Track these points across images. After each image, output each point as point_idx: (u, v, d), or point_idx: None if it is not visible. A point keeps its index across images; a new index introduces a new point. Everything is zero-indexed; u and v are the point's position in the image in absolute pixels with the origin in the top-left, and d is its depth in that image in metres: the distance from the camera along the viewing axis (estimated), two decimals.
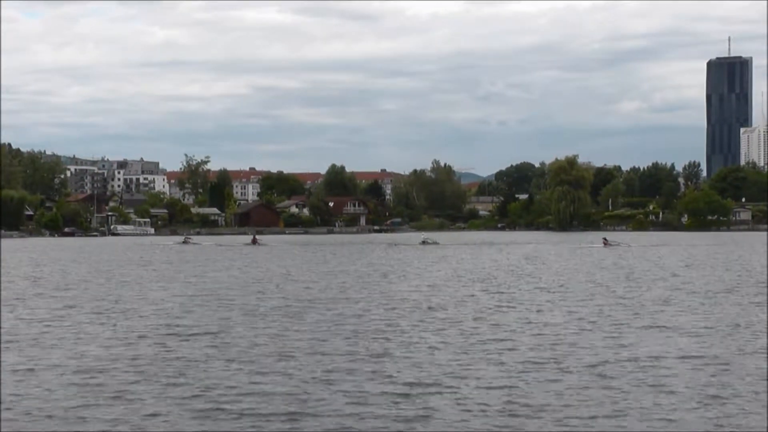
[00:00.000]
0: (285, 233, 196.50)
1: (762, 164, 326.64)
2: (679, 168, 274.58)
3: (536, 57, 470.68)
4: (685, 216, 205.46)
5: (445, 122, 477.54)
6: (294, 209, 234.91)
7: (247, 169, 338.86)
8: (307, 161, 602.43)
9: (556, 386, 17.57)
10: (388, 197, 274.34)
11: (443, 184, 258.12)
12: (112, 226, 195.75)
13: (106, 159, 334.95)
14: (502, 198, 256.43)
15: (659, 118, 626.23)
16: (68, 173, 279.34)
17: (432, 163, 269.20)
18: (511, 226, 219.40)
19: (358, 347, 22.48)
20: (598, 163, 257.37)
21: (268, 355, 21.46)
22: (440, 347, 22.49)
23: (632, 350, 21.90)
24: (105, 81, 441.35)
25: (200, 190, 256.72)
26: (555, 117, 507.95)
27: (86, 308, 32.66)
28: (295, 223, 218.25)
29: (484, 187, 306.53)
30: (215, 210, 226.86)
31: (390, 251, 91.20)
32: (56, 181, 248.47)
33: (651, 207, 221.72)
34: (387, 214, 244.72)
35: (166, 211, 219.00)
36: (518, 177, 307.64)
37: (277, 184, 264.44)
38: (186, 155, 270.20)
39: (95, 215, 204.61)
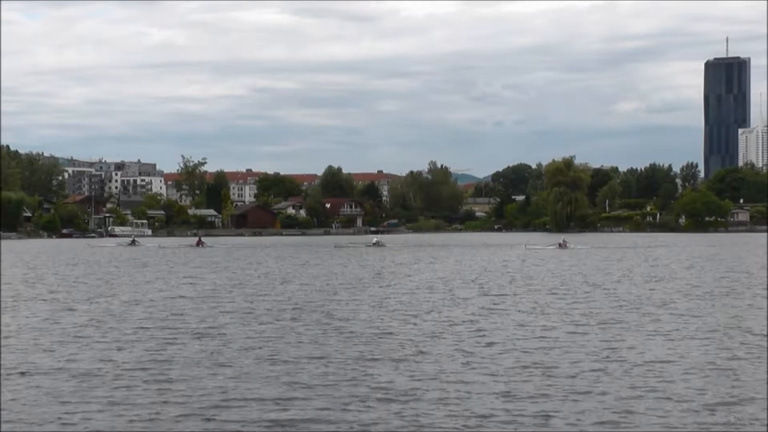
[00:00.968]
0: (282, 234, 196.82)
1: (760, 165, 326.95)
2: (676, 169, 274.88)
3: (533, 57, 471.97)
4: (683, 217, 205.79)
5: (442, 123, 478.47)
6: (291, 211, 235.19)
7: (244, 170, 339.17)
8: (304, 162, 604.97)
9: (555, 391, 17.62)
10: (384, 198, 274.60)
11: (440, 186, 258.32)
12: (109, 228, 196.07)
13: (103, 161, 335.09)
14: (498, 199, 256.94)
15: (657, 118, 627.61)
16: (66, 175, 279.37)
17: (429, 164, 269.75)
18: (508, 227, 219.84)
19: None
20: (596, 164, 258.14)
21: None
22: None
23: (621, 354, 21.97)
24: (105, 82, 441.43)
25: (197, 192, 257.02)
26: (552, 118, 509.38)
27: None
28: (291, 225, 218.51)
29: (481, 189, 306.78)
30: (212, 211, 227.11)
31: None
32: (54, 182, 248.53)
33: (648, 208, 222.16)
34: (383, 215, 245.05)
35: (163, 212, 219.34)
36: (515, 178, 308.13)
37: (273, 186, 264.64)
38: (183, 157, 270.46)
39: (93, 217, 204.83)
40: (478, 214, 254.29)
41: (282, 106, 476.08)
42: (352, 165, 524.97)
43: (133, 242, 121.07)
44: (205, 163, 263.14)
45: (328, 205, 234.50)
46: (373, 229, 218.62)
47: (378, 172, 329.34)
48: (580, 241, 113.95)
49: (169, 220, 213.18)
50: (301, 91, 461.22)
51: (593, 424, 15.08)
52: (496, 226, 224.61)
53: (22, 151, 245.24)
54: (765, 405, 16.19)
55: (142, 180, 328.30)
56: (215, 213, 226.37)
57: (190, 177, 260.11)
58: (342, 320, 28.77)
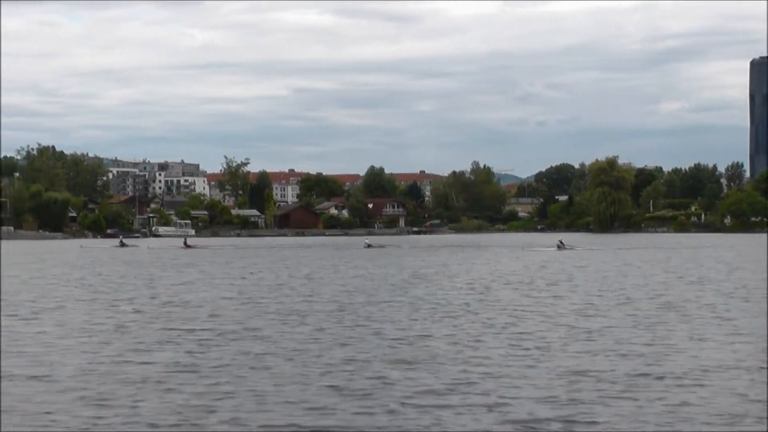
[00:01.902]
0: (324, 235, 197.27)
1: None
2: (721, 169, 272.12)
3: (575, 57, 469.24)
4: (728, 217, 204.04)
5: (483, 123, 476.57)
6: (333, 211, 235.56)
7: (287, 170, 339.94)
8: (346, 163, 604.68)
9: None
10: (427, 199, 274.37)
11: (482, 186, 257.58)
12: (153, 228, 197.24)
13: (147, 161, 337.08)
14: (541, 199, 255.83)
15: (701, 118, 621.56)
16: (110, 175, 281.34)
17: (471, 164, 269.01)
18: (551, 227, 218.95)
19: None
20: (639, 164, 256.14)
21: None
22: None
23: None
24: (145, 83, 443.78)
25: (240, 192, 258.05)
26: (594, 118, 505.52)
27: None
28: (334, 225, 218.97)
29: (524, 189, 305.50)
30: (255, 212, 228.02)
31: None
32: (99, 183, 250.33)
33: (693, 208, 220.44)
34: (426, 215, 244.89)
35: (206, 212, 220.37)
36: (558, 178, 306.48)
37: (316, 186, 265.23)
38: (226, 157, 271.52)
39: (137, 217, 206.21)
40: (521, 214, 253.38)
41: (323, 107, 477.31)
42: (393, 165, 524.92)
43: (122, 244, 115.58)
44: (248, 163, 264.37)
45: (370, 206, 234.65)
46: (415, 229, 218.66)
47: (420, 172, 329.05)
48: (623, 242, 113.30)
49: (213, 220, 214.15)
50: (342, 92, 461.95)
51: None
52: (539, 227, 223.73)
53: (67, 151, 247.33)
54: None
55: (186, 180, 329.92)
56: (258, 213, 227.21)
57: (233, 177, 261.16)
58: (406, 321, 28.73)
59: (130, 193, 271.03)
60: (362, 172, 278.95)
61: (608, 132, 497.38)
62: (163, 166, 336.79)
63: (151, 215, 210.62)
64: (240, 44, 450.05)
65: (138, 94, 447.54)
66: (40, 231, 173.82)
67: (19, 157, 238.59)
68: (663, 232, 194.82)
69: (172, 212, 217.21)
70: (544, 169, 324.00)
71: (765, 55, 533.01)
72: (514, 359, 21.07)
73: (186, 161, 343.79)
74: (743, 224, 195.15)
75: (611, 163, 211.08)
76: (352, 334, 25.53)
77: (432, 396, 17.03)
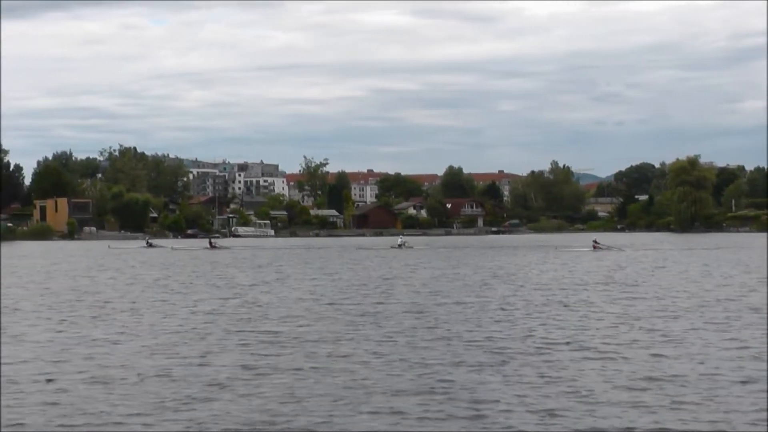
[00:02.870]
0: (403, 235, 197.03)
1: None
2: None
3: (655, 56, 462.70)
4: None
5: (562, 123, 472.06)
6: (412, 211, 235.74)
7: (365, 171, 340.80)
8: (424, 163, 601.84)
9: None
10: (505, 198, 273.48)
11: (561, 185, 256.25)
12: (233, 228, 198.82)
13: (227, 162, 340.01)
14: (621, 199, 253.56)
15: None
16: (190, 176, 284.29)
17: (550, 163, 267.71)
18: (631, 227, 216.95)
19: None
20: (721, 163, 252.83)
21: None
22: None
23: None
24: (226, 85, 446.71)
25: (319, 192, 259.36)
26: (675, 116, 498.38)
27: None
28: (412, 225, 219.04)
29: (603, 188, 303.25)
30: (334, 212, 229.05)
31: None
32: (179, 183, 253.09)
33: None
34: (505, 215, 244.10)
35: (285, 213, 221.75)
36: (638, 177, 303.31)
37: (394, 186, 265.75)
38: (305, 157, 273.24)
39: (217, 217, 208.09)
40: (600, 214, 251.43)
41: (402, 107, 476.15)
42: (471, 165, 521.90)
43: (149, 245, 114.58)
44: (327, 163, 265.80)
45: (448, 206, 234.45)
46: (494, 229, 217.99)
47: (499, 172, 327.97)
48: (703, 242, 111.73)
49: (292, 220, 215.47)
50: (421, 92, 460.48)
51: None
52: (618, 226, 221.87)
53: (148, 153, 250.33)
54: None
55: (265, 181, 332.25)
56: (337, 213, 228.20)
57: (312, 178, 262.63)
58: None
59: (210, 194, 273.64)
60: (441, 172, 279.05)
61: (689, 131, 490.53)
62: (242, 167, 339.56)
63: (230, 216, 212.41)
64: (319, 45, 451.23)
65: (218, 96, 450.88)
66: (122, 231, 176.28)
67: (101, 159, 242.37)
68: (745, 231, 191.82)
69: (252, 212, 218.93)
70: (623, 169, 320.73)
71: None
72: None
73: (265, 162, 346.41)
74: None
75: (692, 162, 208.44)
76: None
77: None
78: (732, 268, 58.46)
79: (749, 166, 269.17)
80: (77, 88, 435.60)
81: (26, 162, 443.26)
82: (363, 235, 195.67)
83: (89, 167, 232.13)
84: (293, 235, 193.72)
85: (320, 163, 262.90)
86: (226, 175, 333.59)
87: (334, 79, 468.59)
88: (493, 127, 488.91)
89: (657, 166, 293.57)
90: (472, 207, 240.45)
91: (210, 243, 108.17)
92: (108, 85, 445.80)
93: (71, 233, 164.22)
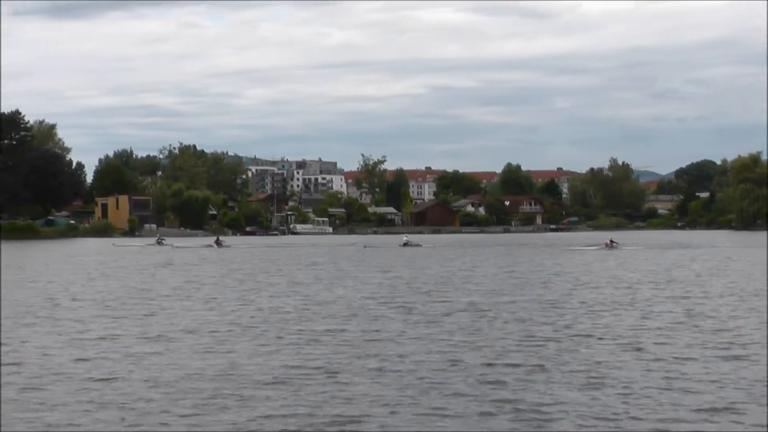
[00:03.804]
0: (461, 232, 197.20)
1: None
2: None
3: (714, 52, 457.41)
4: None
5: (620, 120, 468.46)
6: (470, 208, 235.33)
7: (423, 168, 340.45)
8: (482, 160, 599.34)
9: None
10: (564, 196, 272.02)
11: (621, 183, 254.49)
12: (291, 226, 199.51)
13: (285, 159, 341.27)
14: (681, 196, 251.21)
15: None
16: (249, 174, 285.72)
17: (609, 161, 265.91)
18: (692, 225, 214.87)
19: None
20: None
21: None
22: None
23: None
24: (284, 83, 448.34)
25: (377, 190, 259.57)
26: (736, 113, 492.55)
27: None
28: (470, 222, 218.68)
29: (664, 186, 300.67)
30: (392, 209, 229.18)
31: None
32: (238, 181, 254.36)
33: None
34: (563, 213, 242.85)
35: (343, 210, 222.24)
36: (698, 175, 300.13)
37: (452, 183, 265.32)
38: (363, 155, 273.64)
39: (275, 215, 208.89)
40: (660, 211, 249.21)
41: (460, 105, 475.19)
42: (530, 162, 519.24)
43: (159, 242, 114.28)
44: (385, 161, 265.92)
45: (507, 203, 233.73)
46: (552, 226, 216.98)
47: (557, 169, 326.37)
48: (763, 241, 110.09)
49: (350, 218, 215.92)
50: (479, 89, 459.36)
51: None
52: (678, 224, 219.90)
53: (208, 150, 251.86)
54: None
55: (323, 178, 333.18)
56: (395, 211, 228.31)
57: (370, 175, 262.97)
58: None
59: (269, 191, 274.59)
60: (499, 170, 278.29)
61: (750, 128, 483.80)
62: (301, 165, 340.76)
63: (289, 213, 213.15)
64: (376, 43, 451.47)
65: (276, 94, 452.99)
66: (181, 228, 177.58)
67: (161, 157, 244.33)
68: None
69: (310, 210, 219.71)
70: (684, 166, 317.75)
71: None
72: None
73: (323, 159, 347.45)
74: None
75: (755, 159, 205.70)
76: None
77: None
78: None
79: None
80: (138, 86, 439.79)
81: (88, 160, 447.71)
82: (421, 232, 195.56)
83: (149, 165, 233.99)
84: (351, 232, 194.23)
85: (378, 160, 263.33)
86: (285, 172, 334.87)
87: (391, 77, 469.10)
88: (551, 124, 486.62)
89: (718, 163, 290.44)
90: (530, 204, 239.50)
91: (216, 241, 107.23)
92: (168, 84, 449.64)
93: (132, 230, 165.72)
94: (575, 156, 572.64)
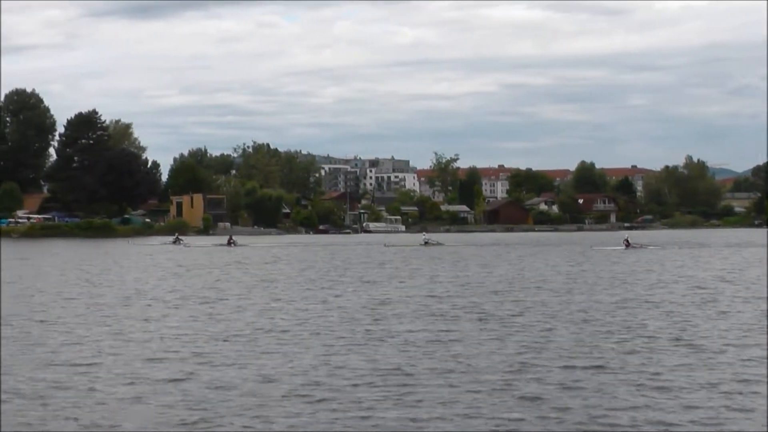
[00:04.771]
0: (534, 230, 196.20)
1: None
2: None
3: None
4: None
5: (695, 117, 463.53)
6: (543, 206, 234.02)
7: (496, 166, 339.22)
8: (555, 158, 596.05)
9: None
10: (639, 194, 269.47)
11: (696, 180, 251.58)
12: (364, 224, 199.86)
13: (358, 158, 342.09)
14: (759, 194, 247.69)
15: None
16: (322, 172, 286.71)
17: (684, 158, 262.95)
18: None
19: None
20: None
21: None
22: None
23: None
24: (357, 81, 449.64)
25: (450, 188, 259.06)
26: None
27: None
28: (544, 221, 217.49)
29: (740, 183, 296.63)
30: (465, 207, 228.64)
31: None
32: (311, 179, 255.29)
33: None
34: (638, 210, 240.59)
35: (416, 208, 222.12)
36: None
37: (526, 181, 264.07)
38: (435, 153, 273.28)
39: (348, 213, 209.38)
40: (737, 209, 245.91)
41: (533, 102, 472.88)
42: (604, 160, 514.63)
43: (177, 240, 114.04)
44: (458, 159, 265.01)
45: (580, 201, 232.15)
46: (626, 225, 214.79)
47: (632, 167, 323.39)
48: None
49: (422, 216, 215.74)
50: (552, 87, 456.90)
51: None
52: (756, 222, 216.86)
53: (281, 149, 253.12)
54: None
55: (396, 177, 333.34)
56: (468, 209, 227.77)
57: (442, 173, 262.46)
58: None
59: (342, 190, 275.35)
60: (572, 167, 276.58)
61: None
62: (373, 163, 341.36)
63: (362, 211, 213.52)
64: (449, 41, 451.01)
65: (350, 92, 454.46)
66: (255, 227, 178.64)
67: (235, 155, 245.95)
68: None
69: (383, 208, 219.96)
70: (761, 163, 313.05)
71: None
72: None
73: (396, 157, 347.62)
74: None
75: None
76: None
77: None
78: None
79: None
80: (212, 85, 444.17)
81: (163, 159, 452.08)
82: (494, 230, 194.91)
83: (223, 163, 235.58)
84: (424, 230, 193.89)
85: (451, 158, 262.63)
86: (358, 171, 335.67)
87: (464, 75, 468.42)
88: (626, 122, 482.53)
89: None
90: (604, 202, 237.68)
91: (229, 241, 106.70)
92: (242, 83, 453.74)
93: (206, 229, 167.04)
94: (650, 154, 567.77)
